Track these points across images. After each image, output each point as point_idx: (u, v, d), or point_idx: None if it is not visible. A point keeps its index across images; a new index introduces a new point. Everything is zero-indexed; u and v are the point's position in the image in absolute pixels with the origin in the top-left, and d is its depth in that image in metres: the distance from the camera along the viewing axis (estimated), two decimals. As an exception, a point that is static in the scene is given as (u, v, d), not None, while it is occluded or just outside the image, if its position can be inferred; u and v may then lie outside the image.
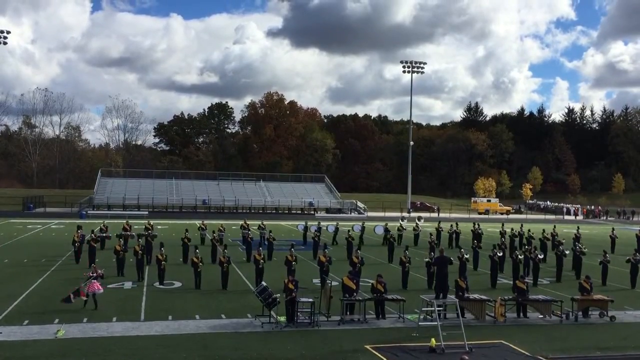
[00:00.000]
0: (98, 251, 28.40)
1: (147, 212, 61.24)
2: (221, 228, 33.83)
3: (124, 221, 37.71)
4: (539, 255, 25.46)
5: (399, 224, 39.77)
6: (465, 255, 24.07)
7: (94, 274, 18.85)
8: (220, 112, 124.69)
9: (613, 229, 39.78)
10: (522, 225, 38.45)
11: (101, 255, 28.33)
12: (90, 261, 25.41)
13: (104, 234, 32.82)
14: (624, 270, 25.74)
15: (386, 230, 36.89)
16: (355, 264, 22.45)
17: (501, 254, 25.16)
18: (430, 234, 33.87)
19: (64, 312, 17.38)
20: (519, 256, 24.57)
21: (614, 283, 24.76)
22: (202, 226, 36.55)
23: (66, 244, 34.68)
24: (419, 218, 46.38)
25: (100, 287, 18.71)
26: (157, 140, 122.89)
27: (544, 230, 34.99)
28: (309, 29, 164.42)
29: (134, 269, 23.66)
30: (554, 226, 38.96)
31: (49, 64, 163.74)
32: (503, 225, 38.14)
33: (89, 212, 61.11)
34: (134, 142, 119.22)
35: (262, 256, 22.63)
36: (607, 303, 18.59)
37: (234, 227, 44.03)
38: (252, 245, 29.72)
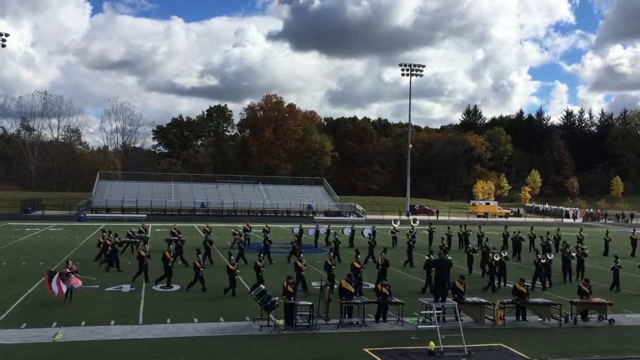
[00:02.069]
0: (127, 255, 29.09)
1: (145, 215, 61.17)
2: (235, 232, 34.94)
3: (140, 224, 37.51)
4: (548, 257, 25.27)
5: (391, 227, 40.38)
6: (496, 259, 23.63)
7: (70, 270, 19.74)
8: (219, 114, 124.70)
9: (607, 231, 39.81)
10: (532, 227, 38.79)
11: (129, 259, 28.56)
12: (110, 263, 26.44)
13: (132, 239, 32.39)
14: (625, 275, 25.67)
15: (373, 232, 37.58)
16: (379, 265, 22.63)
17: (505, 254, 25.02)
18: (442, 238, 33.63)
19: (62, 315, 17.36)
20: (541, 260, 24.33)
21: (607, 285, 24.71)
22: (207, 229, 36.98)
23: (64, 246, 34.73)
24: (414, 220, 46.95)
25: (79, 281, 19.82)
26: (155, 143, 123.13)
27: (548, 232, 35.20)
28: (309, 32, 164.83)
29: (151, 273, 23.49)
30: (558, 229, 39.29)
31: (48, 67, 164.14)
32: (506, 227, 38.37)
33: (87, 215, 61.02)
34: (132, 145, 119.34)
35: (305, 262, 22.10)
36: (606, 306, 18.57)
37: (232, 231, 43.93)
38: (265, 249, 29.69)
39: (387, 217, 67.10)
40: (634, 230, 39.68)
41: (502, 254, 24.47)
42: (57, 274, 19.52)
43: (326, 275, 21.87)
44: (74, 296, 19.90)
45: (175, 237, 31.94)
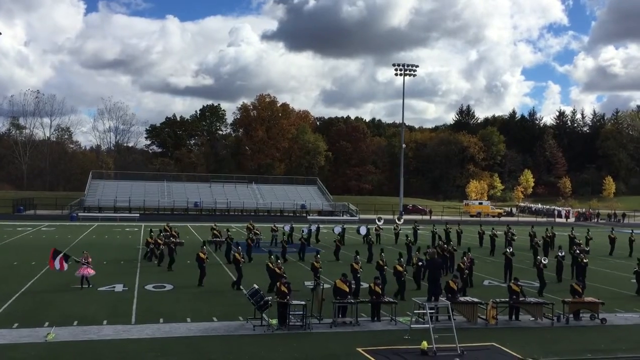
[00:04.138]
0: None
1: (138, 215, 61.03)
2: (257, 231, 36.04)
3: (165, 224, 36.87)
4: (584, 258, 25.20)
5: (375, 225, 42.10)
6: (544, 262, 23.40)
7: (85, 261, 22.04)
8: (212, 114, 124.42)
9: (588, 230, 40.33)
10: (539, 227, 39.41)
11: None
12: (170, 262, 26.73)
13: (176, 240, 31.41)
14: (611, 272, 25.82)
15: (368, 230, 39.12)
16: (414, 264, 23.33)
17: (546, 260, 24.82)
18: (446, 238, 33.78)
19: (54, 315, 17.28)
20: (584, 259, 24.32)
21: (604, 285, 24.87)
22: (215, 227, 37.69)
23: (56, 246, 34.37)
24: (398, 218, 48.18)
25: (91, 270, 22.03)
26: (148, 142, 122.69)
27: (547, 229, 35.83)
28: (304, 32, 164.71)
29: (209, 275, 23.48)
30: (552, 227, 39.90)
31: (42, 66, 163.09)
32: (508, 226, 38.90)
33: (79, 214, 60.76)
34: (125, 144, 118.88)
35: (320, 264, 22.39)
36: (598, 305, 18.66)
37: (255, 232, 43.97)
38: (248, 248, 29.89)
39: (382, 216, 67.16)
40: (612, 229, 40.38)
41: (544, 260, 24.09)
42: (62, 254, 21.85)
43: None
44: (66, 295, 19.91)
45: (218, 239, 33.22)
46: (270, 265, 20.49)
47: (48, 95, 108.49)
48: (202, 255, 23.17)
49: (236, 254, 22.80)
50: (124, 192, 70.52)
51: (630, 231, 39.90)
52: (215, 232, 34.94)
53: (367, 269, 24.44)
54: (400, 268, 21.33)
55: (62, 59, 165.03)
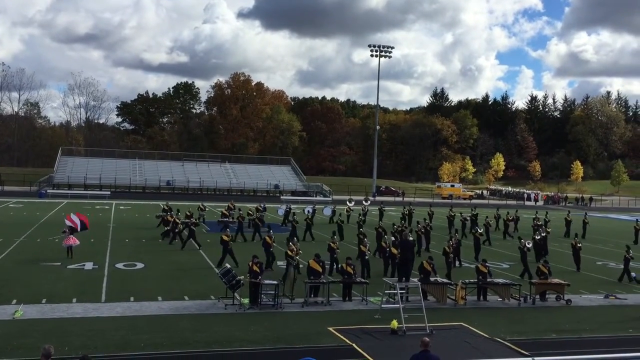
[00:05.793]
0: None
1: (109, 192, 60.27)
2: (260, 207, 36.85)
3: (164, 203, 35.80)
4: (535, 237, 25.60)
5: (346, 206, 43.34)
6: (528, 245, 23.78)
7: (66, 230, 23.54)
8: (185, 91, 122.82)
9: (547, 213, 42.11)
10: (509, 210, 40.26)
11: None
12: (187, 241, 26.73)
13: (192, 220, 30.24)
14: (571, 254, 26.19)
15: (333, 211, 39.74)
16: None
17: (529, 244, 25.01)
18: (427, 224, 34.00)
19: (22, 293, 17.04)
20: (527, 244, 24.56)
21: (569, 267, 25.40)
22: (202, 207, 38.03)
23: (24, 223, 33.98)
24: (366, 199, 49.35)
25: (76, 240, 23.38)
26: (120, 119, 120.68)
27: (513, 212, 36.76)
28: (280, 11, 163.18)
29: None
30: (517, 210, 40.70)
31: (11, 39, 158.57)
32: (474, 207, 39.68)
33: (48, 191, 59.72)
34: (96, 121, 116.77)
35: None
36: (564, 287, 19.11)
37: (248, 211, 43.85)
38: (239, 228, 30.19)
39: (353, 198, 67.41)
40: (569, 212, 41.63)
41: (527, 244, 24.31)
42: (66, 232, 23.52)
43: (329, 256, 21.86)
44: (34, 272, 19.66)
45: (226, 219, 33.14)
46: (289, 252, 20.02)
47: (16, 69, 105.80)
48: (225, 237, 22.85)
49: (267, 237, 22.85)
50: (95, 169, 69.49)
51: (584, 214, 41.13)
52: (224, 212, 34.77)
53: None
54: (395, 251, 21.55)
55: (31, 32, 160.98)
